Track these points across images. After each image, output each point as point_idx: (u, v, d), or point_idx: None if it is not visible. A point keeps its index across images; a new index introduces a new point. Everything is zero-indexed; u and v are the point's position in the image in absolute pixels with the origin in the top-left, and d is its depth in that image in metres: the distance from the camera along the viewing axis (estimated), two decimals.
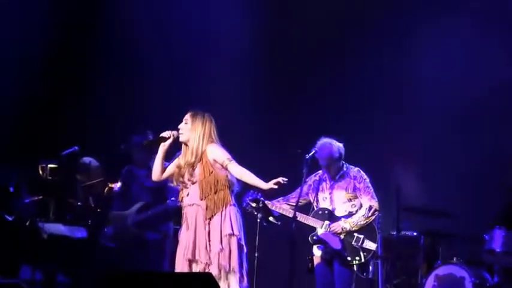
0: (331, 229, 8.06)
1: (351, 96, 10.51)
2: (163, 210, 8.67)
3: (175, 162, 7.44)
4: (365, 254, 8.07)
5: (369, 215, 8.10)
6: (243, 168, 7.30)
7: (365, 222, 8.09)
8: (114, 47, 10.73)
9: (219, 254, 7.21)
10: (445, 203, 9.50)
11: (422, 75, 10.35)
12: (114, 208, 9.00)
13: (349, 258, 8.06)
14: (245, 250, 7.32)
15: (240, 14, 10.83)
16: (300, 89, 10.74)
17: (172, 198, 8.57)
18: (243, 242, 7.31)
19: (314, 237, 8.16)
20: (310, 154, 8.10)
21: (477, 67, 10.11)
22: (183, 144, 7.43)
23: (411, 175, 9.96)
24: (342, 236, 8.09)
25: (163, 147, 7.40)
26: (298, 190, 8.16)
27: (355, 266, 8.10)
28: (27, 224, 8.40)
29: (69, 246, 8.40)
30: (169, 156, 7.53)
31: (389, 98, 10.42)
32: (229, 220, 7.29)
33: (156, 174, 7.46)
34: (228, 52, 10.78)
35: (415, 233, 9.53)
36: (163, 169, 7.45)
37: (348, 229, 8.07)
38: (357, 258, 8.05)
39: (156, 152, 7.45)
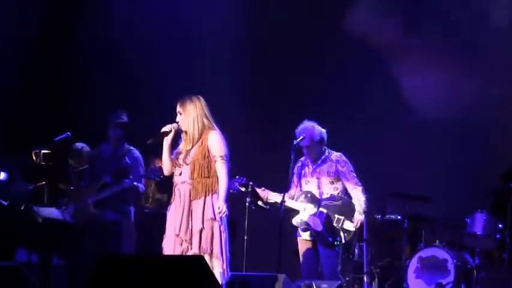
0: (355, 226, 8.22)
1: (337, 82, 10.60)
2: (121, 190, 8.66)
3: (177, 150, 7.56)
4: (345, 234, 8.19)
5: (364, 196, 8.30)
6: (225, 174, 7.38)
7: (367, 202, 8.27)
8: (105, 44, 10.88)
9: (200, 234, 7.31)
10: (428, 188, 9.66)
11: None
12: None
13: (330, 239, 8.19)
14: (226, 236, 7.36)
15: (226, 5, 10.95)
16: (286, 79, 10.84)
17: (131, 177, 8.65)
18: (223, 229, 7.37)
19: (297, 220, 8.29)
20: (298, 140, 8.26)
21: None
22: (182, 134, 7.54)
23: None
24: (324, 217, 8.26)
25: (166, 141, 7.47)
26: (293, 179, 8.36)
27: (337, 247, 8.23)
28: (22, 208, 8.47)
29: (63, 229, 8.50)
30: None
31: (376, 87, 10.55)
32: (211, 206, 7.38)
33: (166, 168, 7.52)
34: (215, 44, 10.92)
35: (399, 217, 9.66)
36: (172, 161, 7.52)
37: (363, 218, 8.26)
38: (338, 239, 8.18)
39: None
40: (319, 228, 8.21)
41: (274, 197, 8.25)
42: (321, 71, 10.63)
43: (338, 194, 8.34)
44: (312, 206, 8.25)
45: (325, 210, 8.25)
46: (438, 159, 10.17)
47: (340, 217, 8.23)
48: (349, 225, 8.23)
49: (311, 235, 8.32)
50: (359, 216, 8.26)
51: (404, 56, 10.50)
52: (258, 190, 8.32)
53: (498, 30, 10.31)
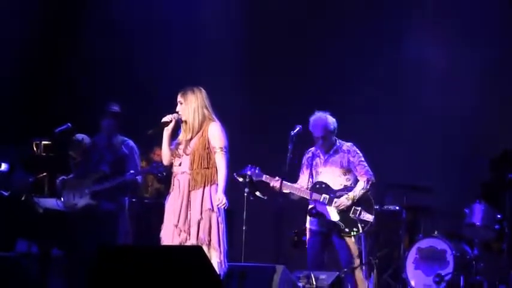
0: (335, 206, 8.27)
1: (337, 73, 10.61)
2: (121, 182, 8.64)
3: (177, 140, 7.56)
4: (363, 225, 8.21)
5: (367, 187, 8.27)
6: (224, 165, 7.39)
7: (364, 194, 8.25)
8: (106, 42, 10.94)
9: (198, 224, 7.32)
10: (427, 178, 9.66)
11: (412, 59, 10.54)
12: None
13: (347, 230, 8.22)
14: (224, 227, 7.38)
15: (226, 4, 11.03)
16: (285, 69, 10.87)
17: (132, 171, 8.65)
18: (221, 220, 7.38)
19: (312, 211, 8.30)
20: (295, 131, 8.25)
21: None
22: (182, 124, 7.53)
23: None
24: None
25: (167, 131, 7.47)
26: (302, 169, 8.41)
27: (353, 237, 8.26)
28: (22, 199, 8.49)
29: (63, 220, 8.54)
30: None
31: (375, 78, 10.55)
32: (209, 197, 7.39)
33: (166, 158, 7.53)
34: (215, 36, 10.97)
35: (397, 208, 9.68)
36: (171, 152, 7.52)
37: (350, 204, 8.24)
38: (355, 229, 8.20)
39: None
40: (336, 218, 8.24)
41: (287, 188, 8.25)
42: (321, 68, 10.66)
43: (351, 184, 8.35)
44: (327, 197, 8.27)
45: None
46: (437, 150, 10.18)
47: (357, 208, 8.25)
48: (367, 216, 8.24)
49: (325, 226, 8.32)
50: (343, 199, 8.23)
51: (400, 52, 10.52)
52: (272, 180, 8.26)
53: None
